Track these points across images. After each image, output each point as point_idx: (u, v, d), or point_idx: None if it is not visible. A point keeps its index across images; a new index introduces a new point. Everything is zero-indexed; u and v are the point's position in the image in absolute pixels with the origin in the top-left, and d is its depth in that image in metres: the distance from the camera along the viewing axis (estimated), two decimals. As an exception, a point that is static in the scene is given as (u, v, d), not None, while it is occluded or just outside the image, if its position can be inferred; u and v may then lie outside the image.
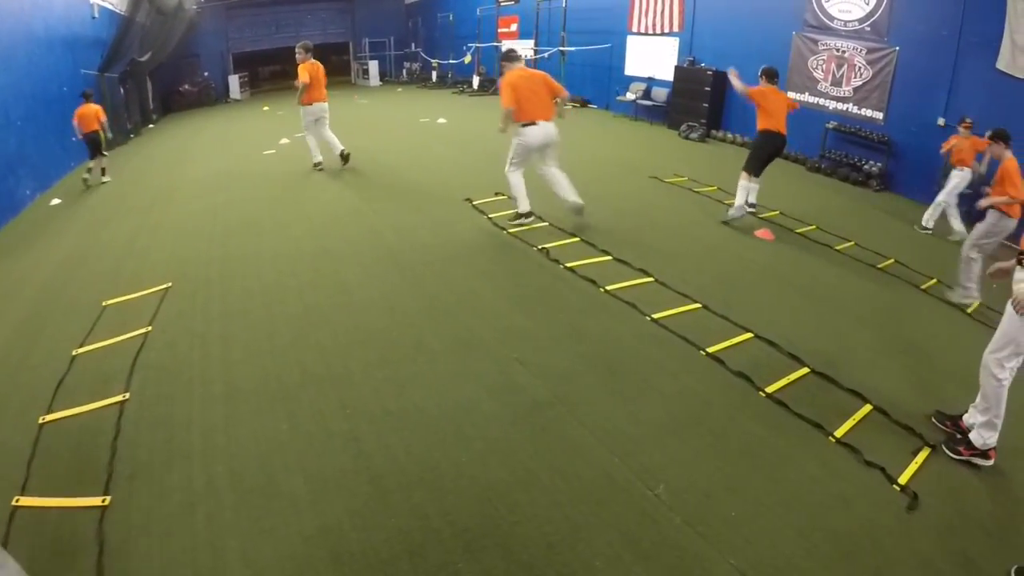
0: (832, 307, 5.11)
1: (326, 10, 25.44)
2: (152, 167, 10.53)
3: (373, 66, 24.43)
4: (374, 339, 4.30)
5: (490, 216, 6.87)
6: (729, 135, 12.32)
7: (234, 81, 22.55)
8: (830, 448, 3.29)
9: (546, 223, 6.61)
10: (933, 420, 3.58)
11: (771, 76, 7.13)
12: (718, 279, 5.45)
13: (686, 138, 12.50)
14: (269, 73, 28.98)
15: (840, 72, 10.10)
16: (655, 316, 4.63)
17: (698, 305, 4.87)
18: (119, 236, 6.78)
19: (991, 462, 3.21)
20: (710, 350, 4.18)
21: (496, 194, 7.62)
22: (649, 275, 5.37)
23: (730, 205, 7.42)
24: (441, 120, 14.25)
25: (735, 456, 3.19)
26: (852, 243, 6.66)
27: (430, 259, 5.71)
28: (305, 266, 5.64)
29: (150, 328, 4.53)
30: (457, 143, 11.58)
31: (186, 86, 20.82)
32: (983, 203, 5.42)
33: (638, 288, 5.14)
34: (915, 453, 3.27)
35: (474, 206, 7.31)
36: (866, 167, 9.47)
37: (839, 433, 3.38)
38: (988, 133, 5.57)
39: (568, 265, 5.51)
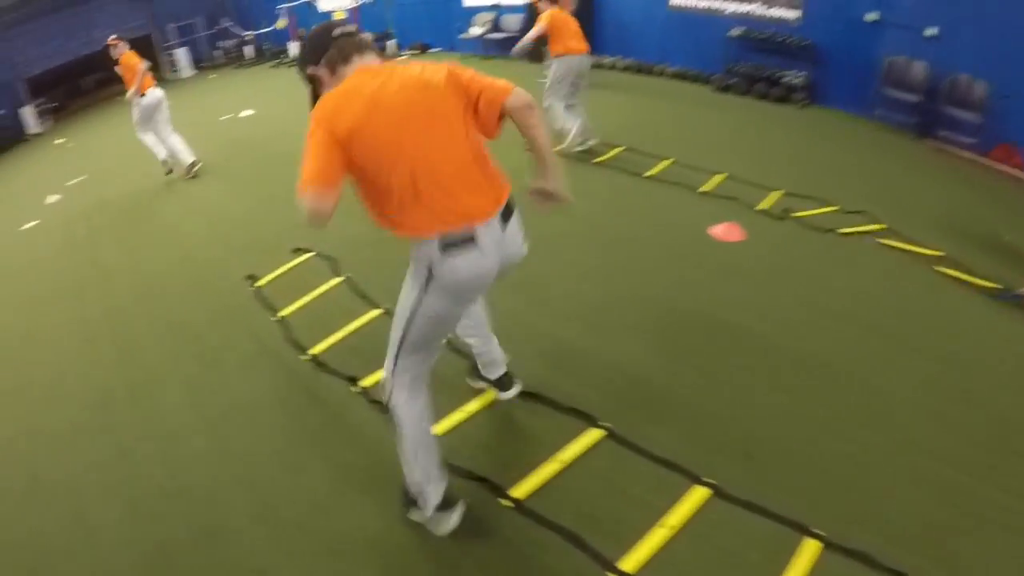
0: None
1: (117, 3, 21.19)
2: None
3: (182, 54, 20.57)
4: None
5: (280, 314, 4.26)
6: (607, 59, 10.01)
7: (29, 113, 18.57)
8: None
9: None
10: None
11: None
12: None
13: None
14: (93, 83, 24.37)
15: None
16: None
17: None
18: None
19: None
20: None
21: (295, 250, 5.11)
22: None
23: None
24: (246, 112, 11.34)
25: None
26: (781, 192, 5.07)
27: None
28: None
29: None
30: (255, 150, 8.72)
31: (-35, 137, 16.90)
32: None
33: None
34: None
35: (257, 289, 4.70)
36: (786, 79, 7.38)
37: None
38: None
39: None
